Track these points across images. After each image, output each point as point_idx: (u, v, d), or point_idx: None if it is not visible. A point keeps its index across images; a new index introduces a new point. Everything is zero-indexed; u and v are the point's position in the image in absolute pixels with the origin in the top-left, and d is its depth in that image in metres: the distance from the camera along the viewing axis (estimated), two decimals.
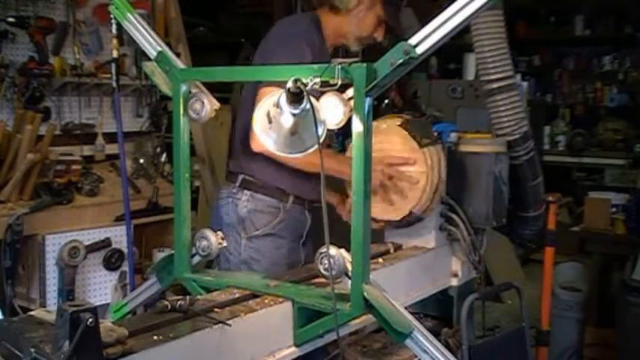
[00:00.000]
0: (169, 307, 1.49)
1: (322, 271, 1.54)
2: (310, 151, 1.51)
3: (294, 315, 1.63)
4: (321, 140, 1.45)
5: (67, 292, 3.24)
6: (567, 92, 7.64)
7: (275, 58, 2.22)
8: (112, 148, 3.85)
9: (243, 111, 2.32)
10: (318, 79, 1.42)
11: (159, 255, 3.71)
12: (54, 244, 3.24)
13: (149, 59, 1.81)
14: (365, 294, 1.49)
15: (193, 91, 1.75)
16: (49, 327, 1.30)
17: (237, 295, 1.68)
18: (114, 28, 3.33)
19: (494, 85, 2.46)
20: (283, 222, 2.39)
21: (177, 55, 3.14)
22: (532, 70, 7.67)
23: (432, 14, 1.42)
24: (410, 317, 1.51)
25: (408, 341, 1.49)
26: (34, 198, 3.28)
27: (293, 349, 1.64)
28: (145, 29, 1.82)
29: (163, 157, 4.10)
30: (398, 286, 2.02)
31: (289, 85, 1.38)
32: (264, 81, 2.10)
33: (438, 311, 2.47)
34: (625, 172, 6.46)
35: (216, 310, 1.57)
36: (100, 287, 3.48)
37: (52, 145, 3.44)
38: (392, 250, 2.21)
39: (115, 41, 3.37)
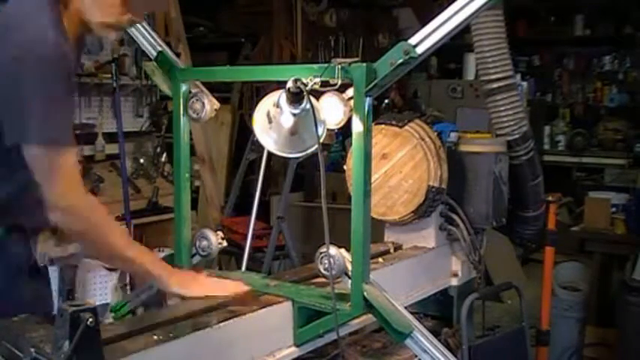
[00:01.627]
0: None
1: (322, 271, 1.54)
2: (310, 151, 1.51)
3: (294, 315, 1.63)
4: (321, 140, 1.45)
5: (67, 292, 3.24)
6: (567, 92, 7.64)
7: None
8: (112, 148, 3.85)
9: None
10: (318, 79, 1.42)
11: (159, 255, 3.71)
12: None
13: (149, 59, 1.81)
14: (365, 294, 1.49)
15: (193, 91, 1.75)
16: (49, 327, 1.30)
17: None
18: None
19: (494, 85, 2.46)
20: None
21: (177, 55, 3.14)
22: (532, 70, 7.66)
23: (432, 14, 1.43)
24: (410, 317, 1.51)
25: (408, 341, 1.49)
26: None
27: (293, 349, 1.64)
28: (145, 29, 1.82)
29: (163, 157, 4.10)
30: (398, 286, 2.02)
31: (289, 84, 1.38)
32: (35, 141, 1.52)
33: (438, 311, 2.47)
34: (625, 172, 6.46)
35: (216, 310, 1.57)
36: (100, 287, 3.48)
37: None
38: (392, 250, 2.21)
39: (114, 41, 3.37)
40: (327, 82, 1.45)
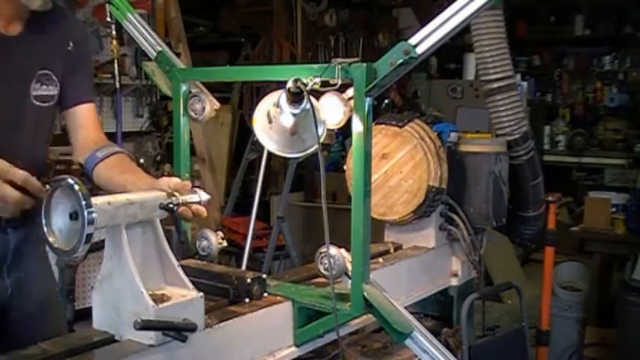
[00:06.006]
0: None
1: (322, 271, 1.54)
2: (310, 151, 1.51)
3: (294, 315, 1.63)
4: (321, 140, 1.45)
5: (67, 292, 3.24)
6: (567, 92, 7.65)
7: None
8: None
9: None
10: (318, 79, 1.42)
11: None
12: None
13: (149, 59, 1.81)
14: (365, 294, 1.49)
15: (193, 91, 1.75)
16: None
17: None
18: (113, 28, 3.34)
19: (494, 85, 2.46)
20: None
21: (178, 55, 3.14)
22: (532, 70, 7.68)
23: (432, 14, 1.43)
24: (410, 317, 1.51)
25: (408, 341, 1.49)
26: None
27: (293, 349, 1.64)
28: (145, 29, 1.82)
29: (163, 157, 4.10)
30: (398, 286, 2.02)
31: (289, 84, 1.38)
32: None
33: (438, 311, 2.47)
34: (625, 172, 6.48)
35: (215, 310, 1.57)
36: None
37: (52, 145, 3.43)
38: (392, 250, 2.21)
39: (114, 42, 3.38)
40: (327, 82, 1.45)
